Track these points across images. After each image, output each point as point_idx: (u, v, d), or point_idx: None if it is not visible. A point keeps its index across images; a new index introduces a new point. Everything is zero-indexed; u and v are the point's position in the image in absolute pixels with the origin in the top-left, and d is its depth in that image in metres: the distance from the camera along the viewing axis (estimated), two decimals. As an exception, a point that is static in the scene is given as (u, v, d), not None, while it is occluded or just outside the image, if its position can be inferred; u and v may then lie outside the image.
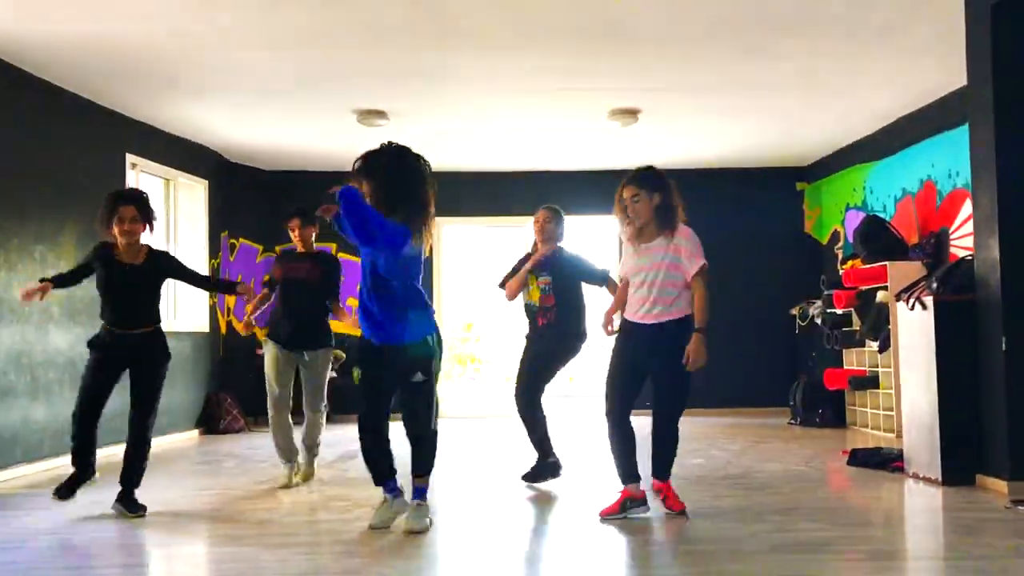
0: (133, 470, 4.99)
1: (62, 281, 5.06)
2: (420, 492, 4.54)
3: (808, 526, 4.51)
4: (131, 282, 4.98)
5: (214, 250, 9.59)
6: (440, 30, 6.01)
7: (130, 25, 5.84)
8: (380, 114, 8.05)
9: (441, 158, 9.93)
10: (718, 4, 5.57)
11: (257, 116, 8.21)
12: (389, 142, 4.50)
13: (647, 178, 4.72)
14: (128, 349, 4.97)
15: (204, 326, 9.34)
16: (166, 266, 5.17)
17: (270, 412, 5.78)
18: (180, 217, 9.20)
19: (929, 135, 7.95)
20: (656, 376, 4.68)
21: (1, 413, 6.31)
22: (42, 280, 4.99)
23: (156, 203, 8.74)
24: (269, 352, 5.78)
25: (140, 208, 5.01)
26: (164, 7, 5.55)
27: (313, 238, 5.96)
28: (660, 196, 4.68)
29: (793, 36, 6.17)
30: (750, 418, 9.92)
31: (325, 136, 8.92)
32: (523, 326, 5.93)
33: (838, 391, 9.06)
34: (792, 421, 9.43)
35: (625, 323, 4.79)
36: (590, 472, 6.28)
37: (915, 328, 5.82)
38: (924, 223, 8.07)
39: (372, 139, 8.81)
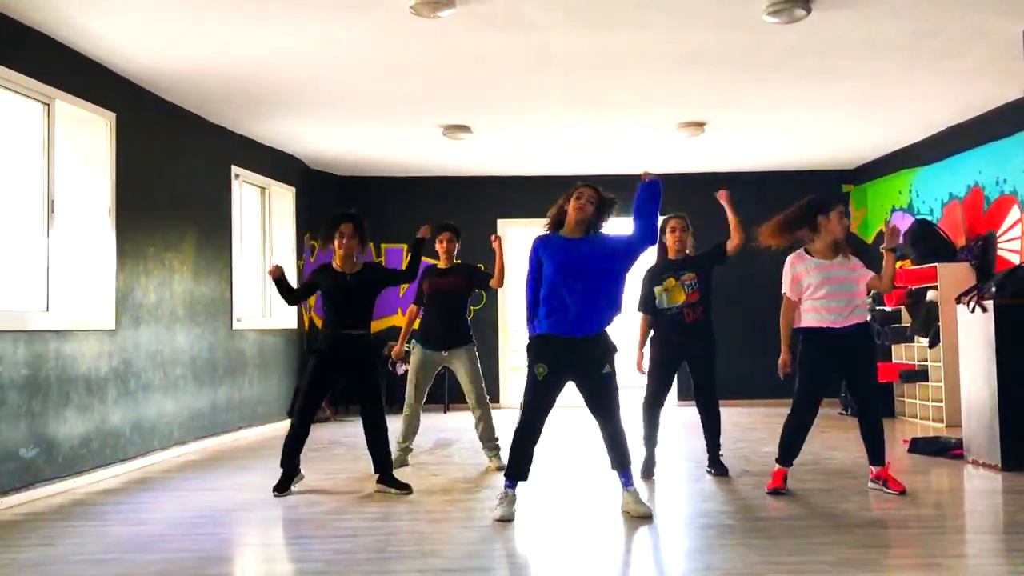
0: (384, 454, 5.71)
1: (287, 289, 5.79)
2: (630, 476, 5.03)
3: (890, 505, 5.15)
4: (348, 289, 5.67)
5: (300, 251, 10.26)
6: (536, 59, 6.62)
7: (256, 54, 6.46)
8: (463, 128, 8.68)
9: (512, 164, 10.61)
10: (795, 35, 6.14)
11: (343, 128, 8.84)
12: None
13: None
14: (345, 351, 5.67)
15: (292, 323, 10.01)
16: (378, 275, 5.89)
17: (410, 403, 6.46)
18: (273, 222, 9.87)
19: (976, 144, 8.52)
20: (858, 376, 5.53)
21: (143, 406, 7.02)
22: (277, 267, 5.73)
23: (253, 210, 9.59)
24: (417, 355, 6.50)
25: (356, 225, 5.72)
26: (291, 40, 6.15)
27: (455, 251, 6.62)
28: None
29: (855, 61, 6.74)
30: (801, 408, 10.46)
31: (406, 146, 9.57)
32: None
33: (887, 384, 9.64)
34: (843, 412, 10.01)
35: (814, 332, 5.44)
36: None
37: (974, 328, 6.43)
38: (971, 227, 8.64)
39: (452, 150, 9.57)
